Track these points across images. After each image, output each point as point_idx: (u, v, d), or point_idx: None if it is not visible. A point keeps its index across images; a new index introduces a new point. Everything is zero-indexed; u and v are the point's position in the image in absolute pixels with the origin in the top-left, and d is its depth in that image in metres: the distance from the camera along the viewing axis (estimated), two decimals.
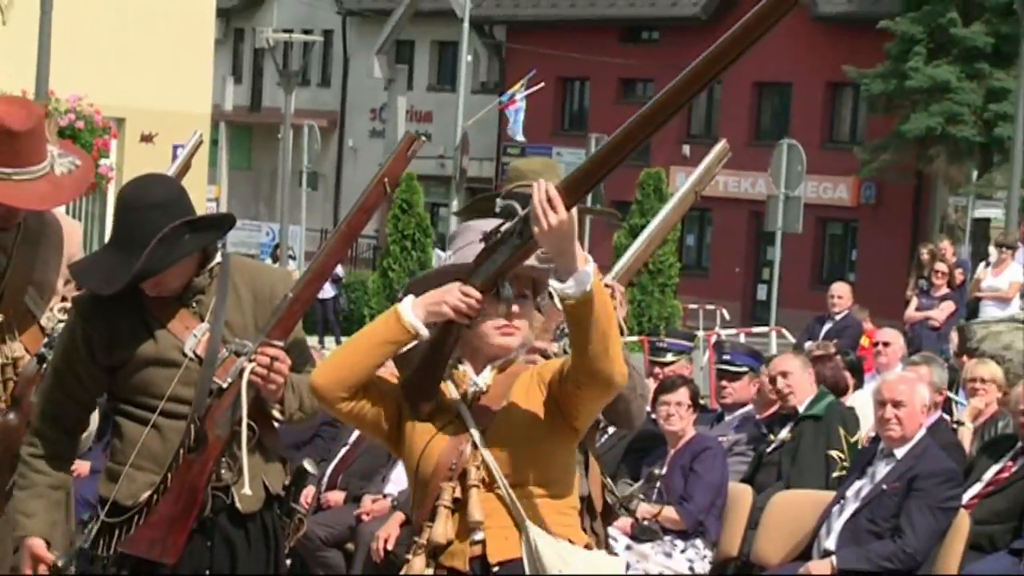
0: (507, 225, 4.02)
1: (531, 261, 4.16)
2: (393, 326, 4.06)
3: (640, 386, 5.20)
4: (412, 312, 4.04)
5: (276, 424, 4.85)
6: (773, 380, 9.21)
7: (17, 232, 5.46)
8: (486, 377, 4.17)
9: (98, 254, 4.86)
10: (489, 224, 4.17)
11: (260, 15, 48.66)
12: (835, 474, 8.77)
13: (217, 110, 36.89)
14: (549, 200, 3.85)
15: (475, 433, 4.10)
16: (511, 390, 4.15)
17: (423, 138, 4.33)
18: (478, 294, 4.02)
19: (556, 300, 3.95)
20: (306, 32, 44.08)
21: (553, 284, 3.91)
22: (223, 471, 4.72)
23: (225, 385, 4.67)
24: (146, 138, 25.65)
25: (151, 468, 4.71)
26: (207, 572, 4.72)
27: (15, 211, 5.39)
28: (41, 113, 5.47)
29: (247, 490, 4.63)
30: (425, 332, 4.04)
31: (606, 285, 4.69)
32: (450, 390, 4.17)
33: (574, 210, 3.89)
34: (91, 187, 22.51)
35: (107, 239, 4.86)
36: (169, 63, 25.36)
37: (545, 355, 4.76)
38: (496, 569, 4.06)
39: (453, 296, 4.01)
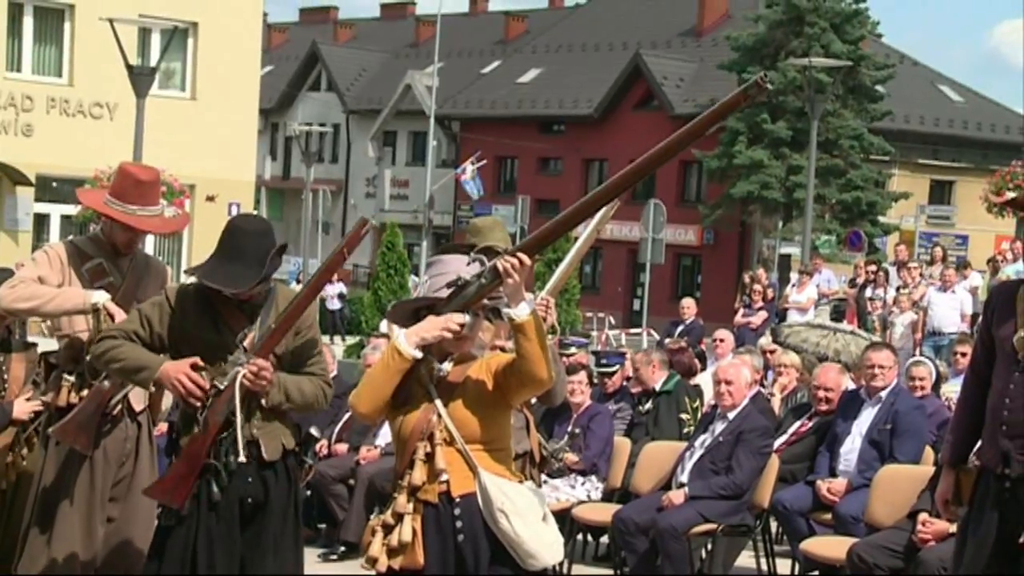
0: (474, 272, 4.01)
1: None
2: (397, 358, 4.02)
3: (561, 374, 5.19)
4: (407, 344, 4.01)
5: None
6: (637, 368, 9.27)
7: (131, 261, 5.50)
8: (447, 366, 4.11)
9: (215, 263, 4.67)
10: (452, 259, 4.17)
11: (289, 113, 48.51)
12: (685, 430, 8.78)
13: (259, 179, 36.68)
14: (521, 264, 3.90)
15: (439, 405, 4.06)
16: (465, 375, 4.09)
17: (373, 223, 4.27)
18: (461, 319, 4.01)
19: (507, 320, 3.97)
20: (321, 125, 43.93)
21: (507, 311, 3.92)
22: (254, 431, 4.67)
23: (222, 387, 4.59)
24: (210, 198, 25.49)
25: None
26: (249, 499, 4.66)
27: (134, 241, 5.49)
28: (157, 173, 5.66)
29: (242, 458, 4.57)
30: (419, 355, 4.02)
31: (543, 297, 4.97)
32: (422, 375, 4.10)
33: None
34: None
35: (217, 255, 4.68)
36: (226, 146, 25.26)
37: (503, 349, 4.75)
38: (457, 500, 4.02)
39: (440, 325, 4.00)
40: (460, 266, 4.14)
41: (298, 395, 4.72)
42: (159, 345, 4.72)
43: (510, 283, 3.89)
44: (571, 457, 8.02)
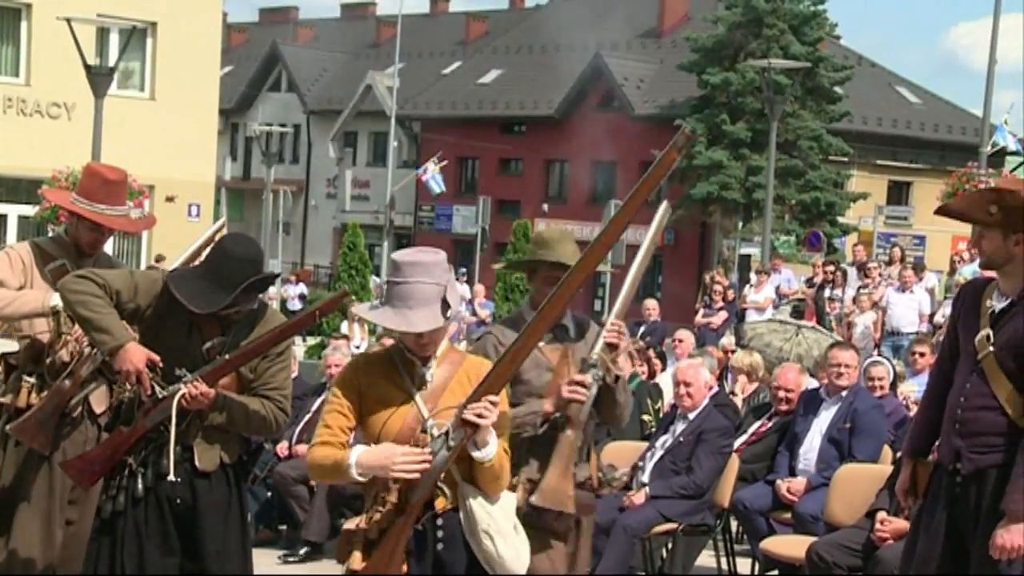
0: (438, 442, 3.80)
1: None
2: (344, 472, 3.85)
3: (628, 403, 5.14)
4: (356, 470, 3.82)
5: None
6: None
7: (94, 262, 5.47)
8: (431, 370, 3.95)
9: (194, 277, 4.65)
10: (432, 263, 3.89)
11: (250, 113, 48.29)
12: (647, 432, 8.78)
13: (219, 179, 36.50)
14: (493, 406, 3.78)
15: (425, 413, 3.90)
16: (449, 384, 3.95)
17: (352, 297, 4.09)
18: (418, 463, 3.79)
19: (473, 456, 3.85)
20: (282, 125, 43.73)
21: (475, 453, 3.82)
22: (191, 440, 4.67)
23: (163, 395, 4.57)
24: (169, 199, 25.35)
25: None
26: (178, 499, 4.65)
27: (100, 241, 5.49)
28: (125, 173, 5.64)
29: (172, 476, 4.58)
30: (360, 480, 3.84)
31: (612, 322, 4.92)
32: (404, 379, 3.94)
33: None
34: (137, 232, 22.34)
35: (201, 268, 4.71)
36: (185, 146, 25.13)
37: (583, 384, 4.80)
38: (440, 513, 3.92)
39: (399, 465, 3.79)
40: (440, 273, 3.89)
41: (243, 419, 4.70)
42: (130, 317, 4.65)
43: (485, 427, 3.79)
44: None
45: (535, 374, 4.88)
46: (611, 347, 4.86)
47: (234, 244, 4.73)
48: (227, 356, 4.61)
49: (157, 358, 4.56)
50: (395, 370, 3.95)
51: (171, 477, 4.57)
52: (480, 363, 4.06)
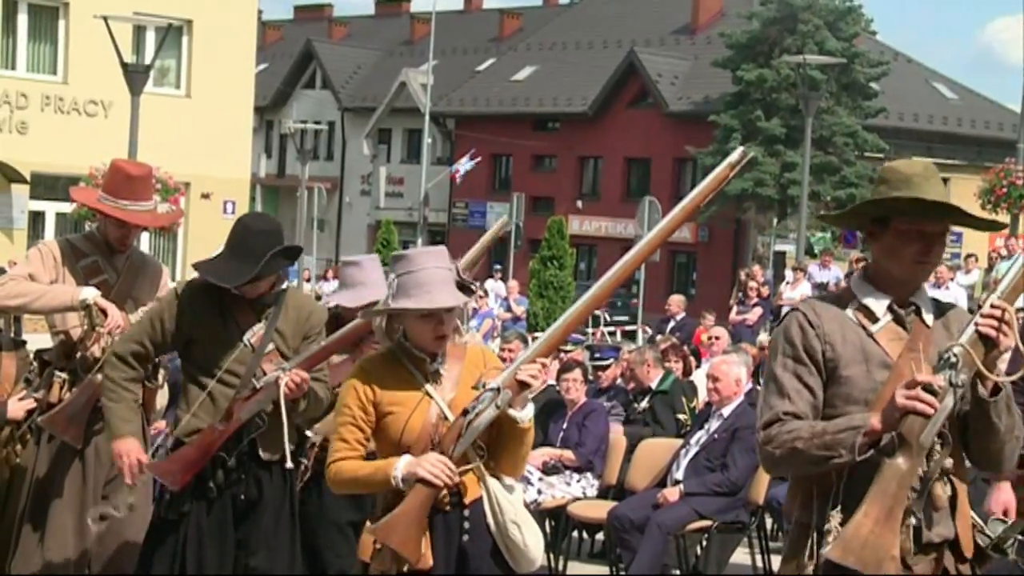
0: (484, 401, 3.76)
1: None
2: (382, 481, 3.80)
3: (1018, 430, 3.27)
4: (401, 473, 3.76)
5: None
6: (632, 368, 9.22)
7: (127, 259, 5.48)
8: (442, 365, 3.93)
9: (218, 259, 4.76)
10: (430, 264, 3.89)
11: (284, 111, 48.46)
12: (683, 431, 8.73)
13: (254, 176, 36.61)
14: (544, 368, 3.81)
15: (443, 406, 3.87)
16: (460, 377, 3.93)
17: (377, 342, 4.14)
18: (453, 468, 3.76)
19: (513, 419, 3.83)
20: (316, 123, 43.89)
21: (514, 414, 3.79)
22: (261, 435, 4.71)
23: (259, 385, 4.62)
24: (205, 196, 25.52)
25: (203, 417, 4.68)
26: (243, 496, 4.68)
27: (128, 237, 5.46)
28: (149, 169, 5.65)
29: (289, 465, 4.65)
30: (403, 485, 3.77)
31: (992, 306, 3.12)
32: (416, 377, 3.90)
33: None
34: (169, 228, 22.44)
35: (223, 251, 4.76)
36: (221, 144, 25.26)
37: (930, 388, 3.05)
38: (467, 504, 3.89)
39: (436, 468, 3.75)
40: (447, 260, 3.93)
41: (314, 402, 4.79)
42: (173, 344, 4.77)
43: (536, 388, 3.80)
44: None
45: (860, 371, 3.24)
46: (985, 341, 3.12)
47: (253, 219, 4.85)
48: (322, 343, 4.69)
49: (146, 458, 4.76)
50: (404, 370, 3.91)
51: (288, 465, 4.63)
52: (481, 352, 4.08)
